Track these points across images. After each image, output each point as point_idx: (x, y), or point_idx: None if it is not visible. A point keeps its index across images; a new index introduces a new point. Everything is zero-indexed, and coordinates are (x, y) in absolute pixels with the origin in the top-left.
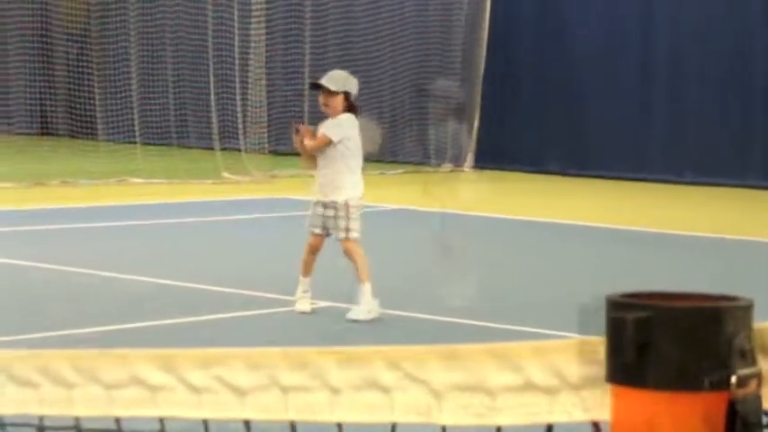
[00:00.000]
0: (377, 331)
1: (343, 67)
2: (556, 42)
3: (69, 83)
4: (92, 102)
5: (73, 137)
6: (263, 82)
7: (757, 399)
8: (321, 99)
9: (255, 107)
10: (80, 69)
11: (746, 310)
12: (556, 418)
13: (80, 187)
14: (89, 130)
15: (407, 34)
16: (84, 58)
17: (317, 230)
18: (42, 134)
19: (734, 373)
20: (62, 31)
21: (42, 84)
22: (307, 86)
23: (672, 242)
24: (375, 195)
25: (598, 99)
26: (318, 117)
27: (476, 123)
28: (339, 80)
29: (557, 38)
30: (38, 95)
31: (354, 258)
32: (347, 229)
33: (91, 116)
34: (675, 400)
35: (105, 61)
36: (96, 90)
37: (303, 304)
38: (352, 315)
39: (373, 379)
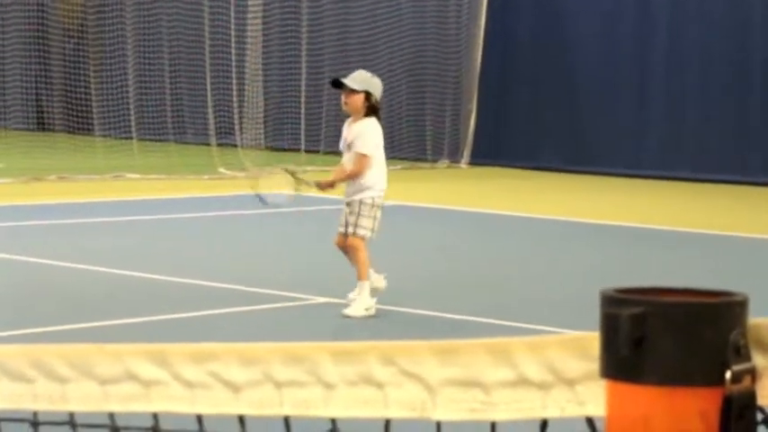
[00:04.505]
0: (372, 326)
1: (338, 63)
2: (554, 38)
3: (66, 79)
4: (88, 97)
5: (69, 132)
6: (260, 77)
7: (752, 394)
8: (342, 97)
9: (252, 103)
10: (76, 65)
11: (742, 305)
12: (550, 413)
13: (77, 183)
14: (85, 126)
15: (404, 29)
16: (81, 53)
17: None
18: (39, 130)
19: (729, 368)
20: (59, 27)
21: (39, 80)
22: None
23: (668, 239)
24: None
25: (596, 95)
26: (315, 116)
27: (472, 119)
28: (361, 80)
29: (555, 33)
30: (34, 91)
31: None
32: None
33: (87, 112)
34: (670, 396)
35: (101, 57)
36: (92, 86)
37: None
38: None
39: (368, 374)
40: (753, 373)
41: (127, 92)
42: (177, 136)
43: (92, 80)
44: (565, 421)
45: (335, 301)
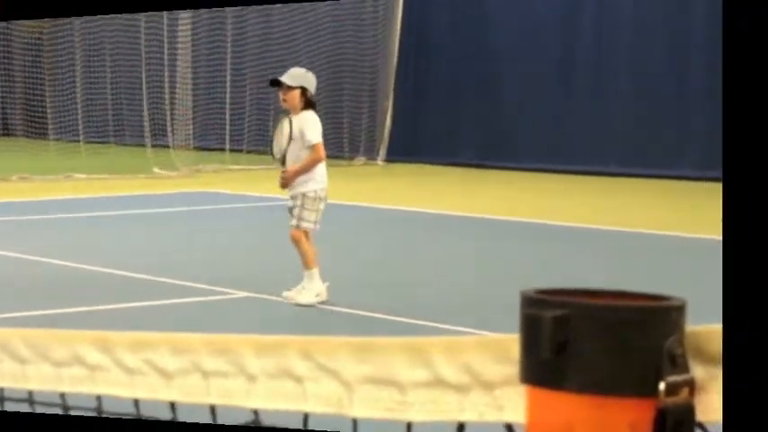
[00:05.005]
0: (298, 323)
1: (260, 67)
2: (472, 33)
3: (26, 88)
4: (43, 104)
5: (28, 137)
6: (189, 82)
7: (689, 408)
8: (281, 95)
9: (182, 106)
10: (34, 76)
11: (678, 311)
12: (467, 416)
13: (35, 183)
14: (42, 131)
15: (322, 28)
16: (38, 65)
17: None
18: (3, 135)
19: (663, 378)
20: (21, 41)
21: (4, 89)
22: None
23: (594, 238)
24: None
25: (516, 88)
26: (238, 117)
27: (388, 116)
28: (296, 76)
29: (473, 27)
30: (0, 100)
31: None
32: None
33: (43, 117)
34: (596, 405)
35: (55, 68)
36: (47, 94)
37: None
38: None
39: (287, 368)
40: (691, 385)
41: (75, 99)
42: (117, 138)
43: (47, 89)
44: (483, 426)
45: (264, 297)
